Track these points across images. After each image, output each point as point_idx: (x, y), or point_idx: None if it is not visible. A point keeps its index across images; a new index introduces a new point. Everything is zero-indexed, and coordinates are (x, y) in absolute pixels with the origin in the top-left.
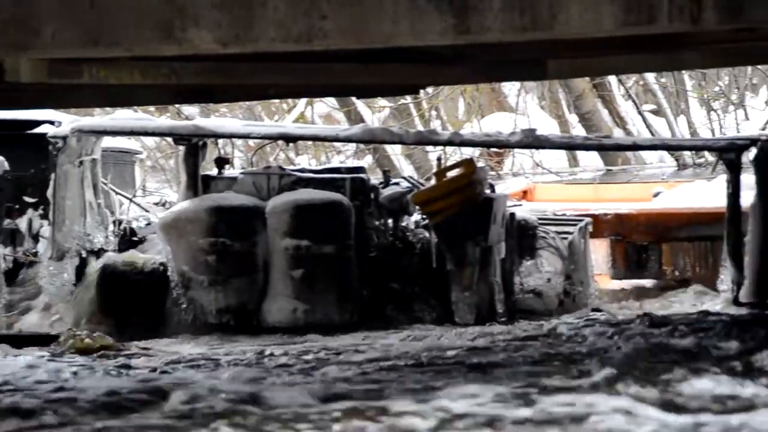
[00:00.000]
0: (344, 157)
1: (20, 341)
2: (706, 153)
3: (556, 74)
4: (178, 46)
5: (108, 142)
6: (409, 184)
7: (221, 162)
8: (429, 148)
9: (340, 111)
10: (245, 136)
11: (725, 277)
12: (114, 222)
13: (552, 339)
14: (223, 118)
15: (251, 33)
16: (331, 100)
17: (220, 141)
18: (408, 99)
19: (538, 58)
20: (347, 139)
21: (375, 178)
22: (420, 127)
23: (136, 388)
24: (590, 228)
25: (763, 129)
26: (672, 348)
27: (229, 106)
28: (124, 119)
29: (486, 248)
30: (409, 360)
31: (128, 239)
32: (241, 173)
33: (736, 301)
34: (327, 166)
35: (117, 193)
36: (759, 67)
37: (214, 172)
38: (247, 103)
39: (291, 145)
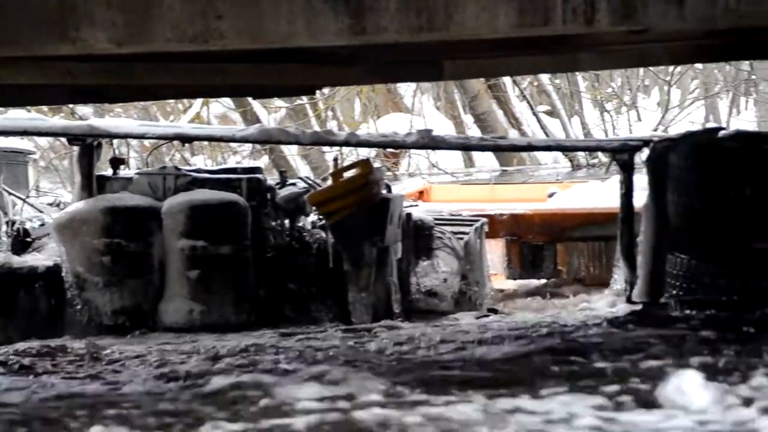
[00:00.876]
0: (240, 157)
1: None
2: (599, 154)
3: (452, 75)
4: (73, 45)
5: (0, 142)
6: (306, 185)
7: (116, 162)
8: (325, 148)
9: (236, 111)
10: (140, 137)
11: (618, 277)
12: (7, 223)
13: None
14: (118, 118)
15: (146, 33)
16: (227, 101)
17: (115, 141)
18: (304, 99)
19: (435, 59)
20: (243, 140)
21: (271, 179)
22: (316, 128)
23: None
24: (486, 228)
25: (655, 130)
26: None
27: (123, 106)
28: (17, 119)
29: (382, 248)
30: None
31: (21, 240)
32: (137, 174)
33: (629, 300)
34: (223, 166)
35: (10, 194)
36: (651, 68)
37: (109, 172)
38: (143, 103)
39: (187, 145)
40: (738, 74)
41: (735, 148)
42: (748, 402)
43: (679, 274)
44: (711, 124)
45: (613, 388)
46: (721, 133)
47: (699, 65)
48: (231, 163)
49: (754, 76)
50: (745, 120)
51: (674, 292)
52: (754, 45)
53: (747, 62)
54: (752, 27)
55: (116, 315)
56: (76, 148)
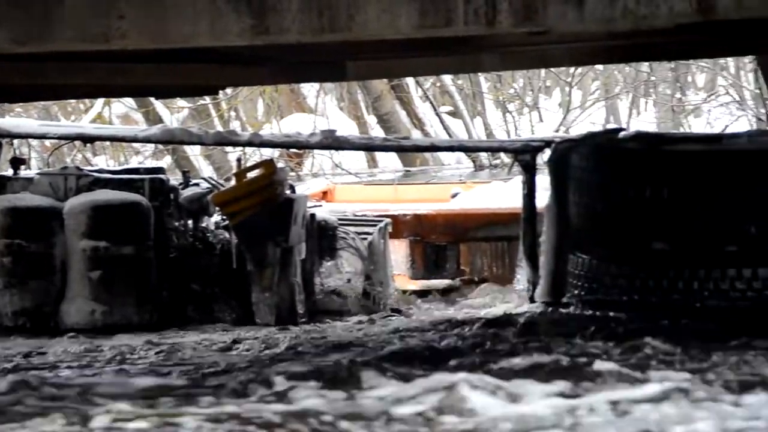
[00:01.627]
0: (143, 157)
1: None
2: (502, 154)
3: (356, 76)
4: None
5: None
6: (209, 185)
7: (16, 162)
8: (228, 148)
9: (139, 111)
10: (41, 137)
11: (521, 277)
12: None
13: None
14: (18, 118)
15: (49, 32)
16: (129, 100)
17: (16, 141)
18: (207, 100)
19: (338, 59)
20: (146, 140)
21: (174, 179)
22: (219, 128)
23: None
24: (390, 229)
25: (557, 131)
26: None
27: (24, 106)
28: None
29: (286, 249)
30: None
31: None
32: (38, 174)
33: (531, 300)
34: (126, 166)
35: None
36: (552, 69)
37: (10, 172)
38: (44, 102)
39: (89, 145)
40: (638, 75)
41: (635, 149)
42: None
43: (581, 274)
44: (611, 125)
45: None
46: (622, 134)
47: (599, 66)
48: (133, 163)
49: (653, 78)
50: (644, 121)
51: (576, 291)
52: (653, 46)
53: (646, 64)
54: (651, 29)
55: (17, 316)
56: None
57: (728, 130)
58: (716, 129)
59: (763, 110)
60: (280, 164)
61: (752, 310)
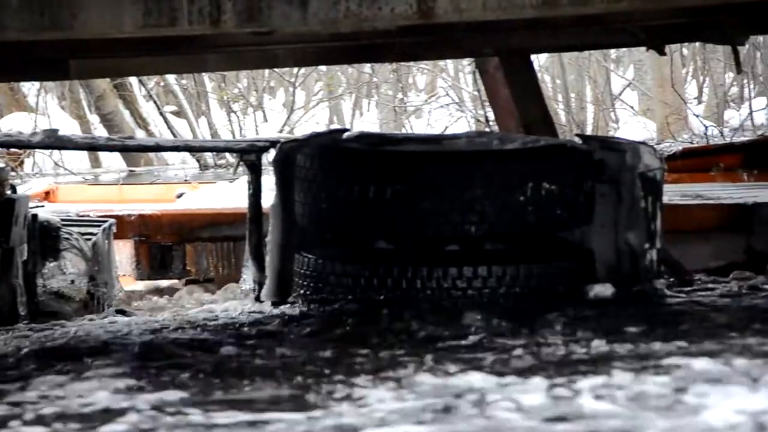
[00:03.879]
0: None
1: None
2: (227, 154)
3: (79, 75)
4: None
5: None
6: None
7: None
8: None
9: None
10: None
11: (247, 277)
12: None
13: None
14: None
15: None
16: None
17: None
18: None
19: (61, 57)
20: None
21: None
22: None
23: None
24: (114, 229)
25: (281, 131)
26: None
27: None
28: None
29: (7, 250)
30: None
31: None
32: None
33: (258, 300)
34: None
35: None
36: (276, 70)
37: None
38: None
39: None
40: (360, 77)
41: (358, 149)
42: None
43: (307, 273)
44: (335, 126)
45: None
46: (346, 134)
47: (323, 67)
48: None
49: (375, 79)
50: (368, 121)
51: (302, 291)
52: (376, 48)
53: (369, 65)
54: (374, 30)
55: None
56: None
57: (448, 131)
58: (437, 130)
59: (481, 112)
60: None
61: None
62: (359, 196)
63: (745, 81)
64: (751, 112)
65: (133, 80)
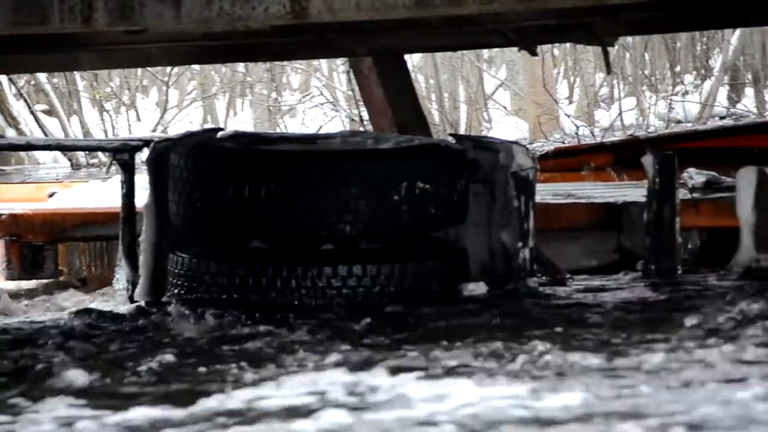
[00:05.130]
0: None
1: None
2: (100, 153)
3: None
4: None
5: None
6: None
7: None
8: None
9: None
10: None
11: (120, 277)
12: None
13: None
14: None
15: None
16: None
17: None
18: None
19: None
20: None
21: None
22: None
23: None
24: None
25: (155, 130)
26: None
27: None
28: None
29: None
30: None
31: None
32: None
33: (131, 300)
34: None
35: None
36: (149, 69)
37: None
38: None
39: None
40: (234, 76)
41: (233, 148)
42: None
43: (181, 272)
44: (210, 125)
45: None
46: (220, 133)
47: (196, 66)
48: None
49: (249, 78)
50: (242, 121)
51: (176, 290)
52: (251, 47)
53: (242, 65)
54: (247, 29)
55: None
56: None
57: (323, 131)
58: (311, 129)
59: (355, 111)
60: None
61: (347, 307)
62: (234, 195)
63: (615, 81)
64: (620, 112)
65: (2, 78)
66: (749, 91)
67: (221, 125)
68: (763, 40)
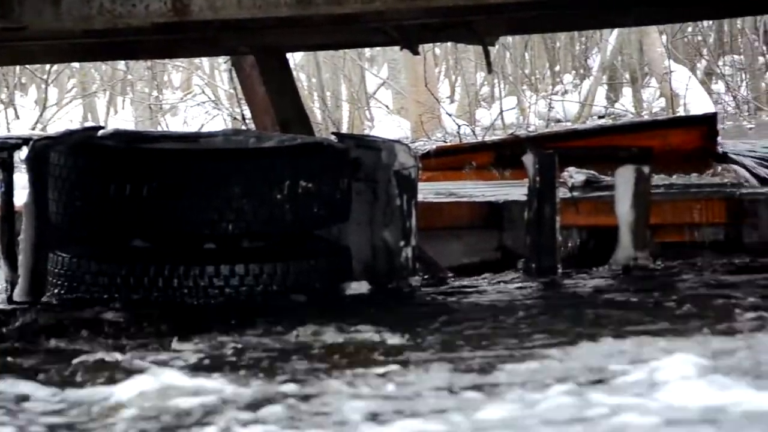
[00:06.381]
0: None
1: None
2: None
3: None
4: None
5: None
6: None
7: None
8: None
9: None
10: None
11: None
12: None
13: None
14: None
15: None
16: None
17: None
18: None
19: None
20: None
21: None
22: None
23: None
24: None
25: (34, 128)
26: None
27: None
28: None
29: None
30: None
31: None
32: None
33: (10, 300)
34: None
35: None
36: (28, 66)
37: None
38: None
39: None
40: (114, 74)
41: (114, 146)
42: None
43: (61, 272)
44: (90, 123)
45: None
46: (100, 132)
47: (77, 64)
48: None
49: (130, 76)
50: (123, 119)
51: (56, 290)
52: (132, 45)
53: (124, 62)
54: (128, 27)
55: None
56: None
57: (204, 129)
58: (193, 128)
59: (238, 109)
60: None
61: (227, 306)
62: (115, 194)
63: (496, 81)
64: (501, 112)
65: None
66: (627, 91)
67: (102, 123)
68: (640, 40)
